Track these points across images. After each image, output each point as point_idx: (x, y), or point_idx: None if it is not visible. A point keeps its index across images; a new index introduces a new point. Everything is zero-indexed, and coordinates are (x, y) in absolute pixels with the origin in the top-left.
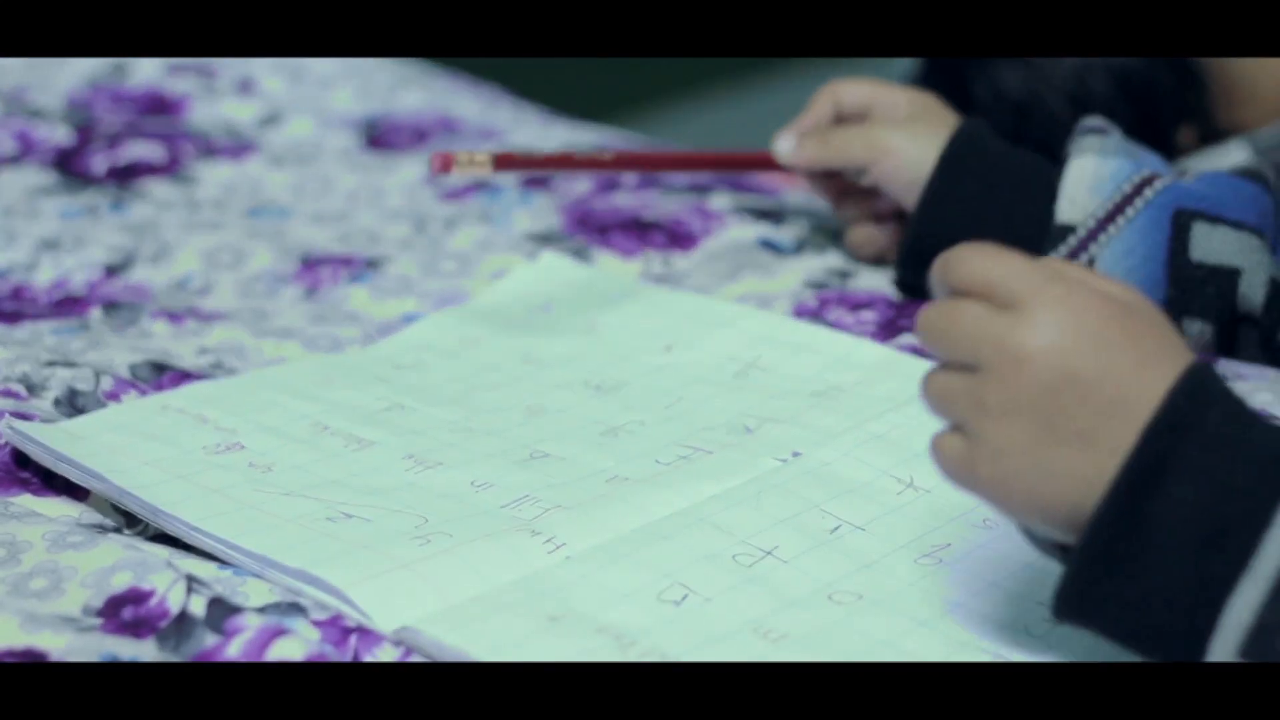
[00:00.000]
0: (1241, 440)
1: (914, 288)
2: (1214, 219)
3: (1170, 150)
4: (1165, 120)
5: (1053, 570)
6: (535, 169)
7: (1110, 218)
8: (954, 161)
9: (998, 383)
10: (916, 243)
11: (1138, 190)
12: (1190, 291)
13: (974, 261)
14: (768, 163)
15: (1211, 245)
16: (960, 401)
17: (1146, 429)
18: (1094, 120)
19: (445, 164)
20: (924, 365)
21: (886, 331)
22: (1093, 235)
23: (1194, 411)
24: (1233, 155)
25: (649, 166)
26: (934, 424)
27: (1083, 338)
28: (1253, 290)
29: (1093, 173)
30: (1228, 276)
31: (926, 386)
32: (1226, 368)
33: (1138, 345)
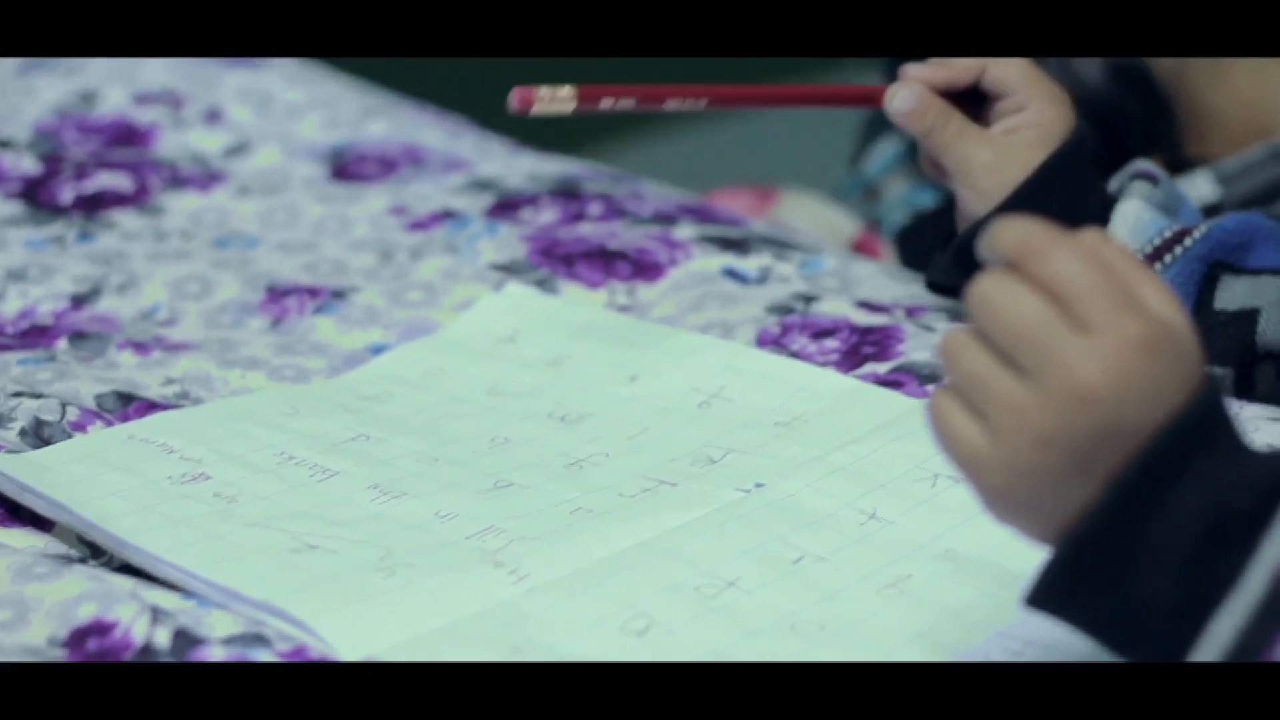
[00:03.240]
0: (1245, 463)
1: (943, 287)
2: (1240, 270)
3: None
4: (1133, 149)
5: (1015, 601)
6: (622, 99)
7: (1146, 265)
8: (1035, 190)
9: (1049, 410)
10: (969, 247)
11: (1176, 239)
12: (1211, 336)
13: (1053, 258)
14: (875, 100)
15: (1234, 294)
16: (996, 399)
17: (1160, 434)
18: (1144, 164)
19: (525, 101)
20: (887, 395)
21: (850, 359)
22: None
23: (1206, 428)
24: (1198, 185)
25: (744, 103)
26: (896, 458)
27: (1139, 389)
28: (1271, 327)
29: (1135, 217)
30: (1247, 317)
31: (952, 349)
32: None
33: (1177, 390)
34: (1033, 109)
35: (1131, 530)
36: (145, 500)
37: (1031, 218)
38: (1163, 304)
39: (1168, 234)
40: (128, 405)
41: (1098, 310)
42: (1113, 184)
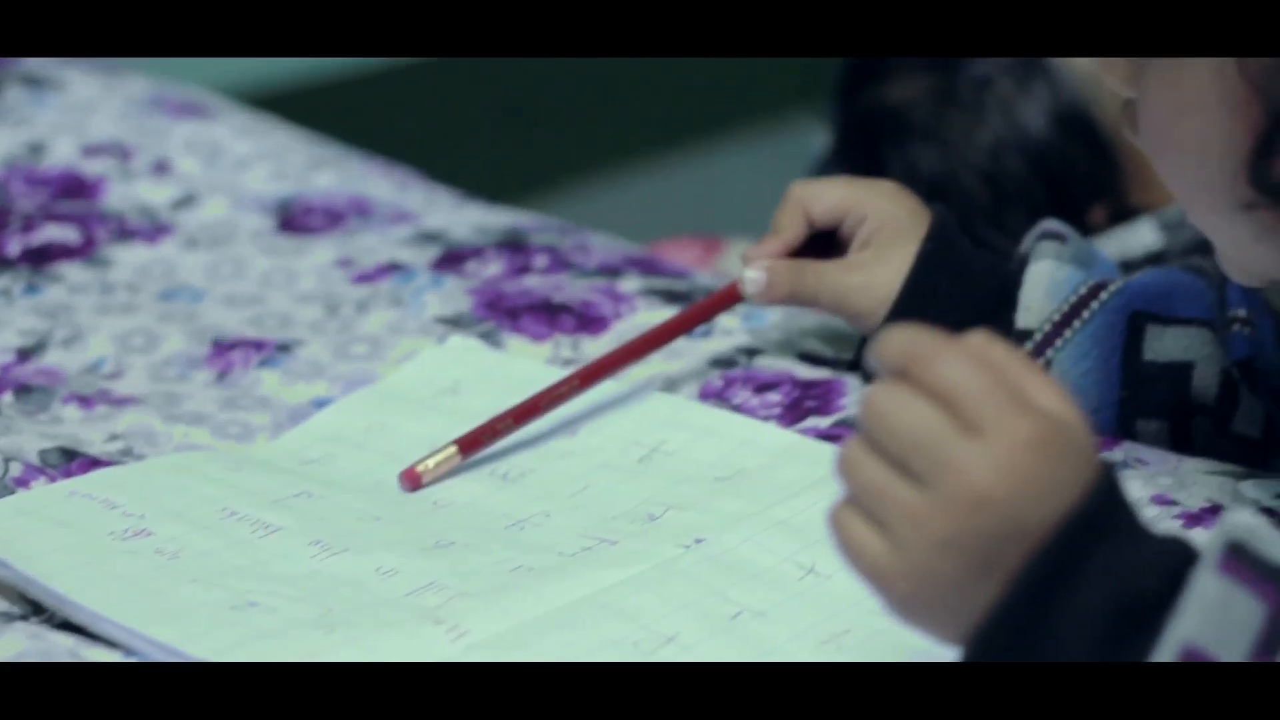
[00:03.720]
0: (1146, 548)
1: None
2: (1166, 319)
3: (1082, 229)
4: (1078, 199)
5: (950, 657)
6: (502, 435)
7: (1065, 322)
8: (923, 276)
9: (948, 515)
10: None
11: (1093, 294)
12: (1144, 391)
13: (940, 366)
14: (734, 297)
15: (1164, 344)
16: (894, 508)
17: (1059, 529)
18: (1051, 224)
19: (414, 479)
20: (827, 450)
21: (792, 413)
22: (1050, 340)
23: (1105, 517)
24: (1141, 233)
25: (615, 366)
26: None
27: (1034, 488)
28: (1205, 383)
29: (1048, 278)
30: (1180, 371)
31: (848, 461)
32: (1128, 452)
33: (1073, 484)
34: (871, 216)
35: (1037, 624)
36: (86, 557)
37: (916, 325)
38: (1053, 400)
39: (1083, 290)
40: (71, 461)
41: (987, 413)
42: (1024, 246)
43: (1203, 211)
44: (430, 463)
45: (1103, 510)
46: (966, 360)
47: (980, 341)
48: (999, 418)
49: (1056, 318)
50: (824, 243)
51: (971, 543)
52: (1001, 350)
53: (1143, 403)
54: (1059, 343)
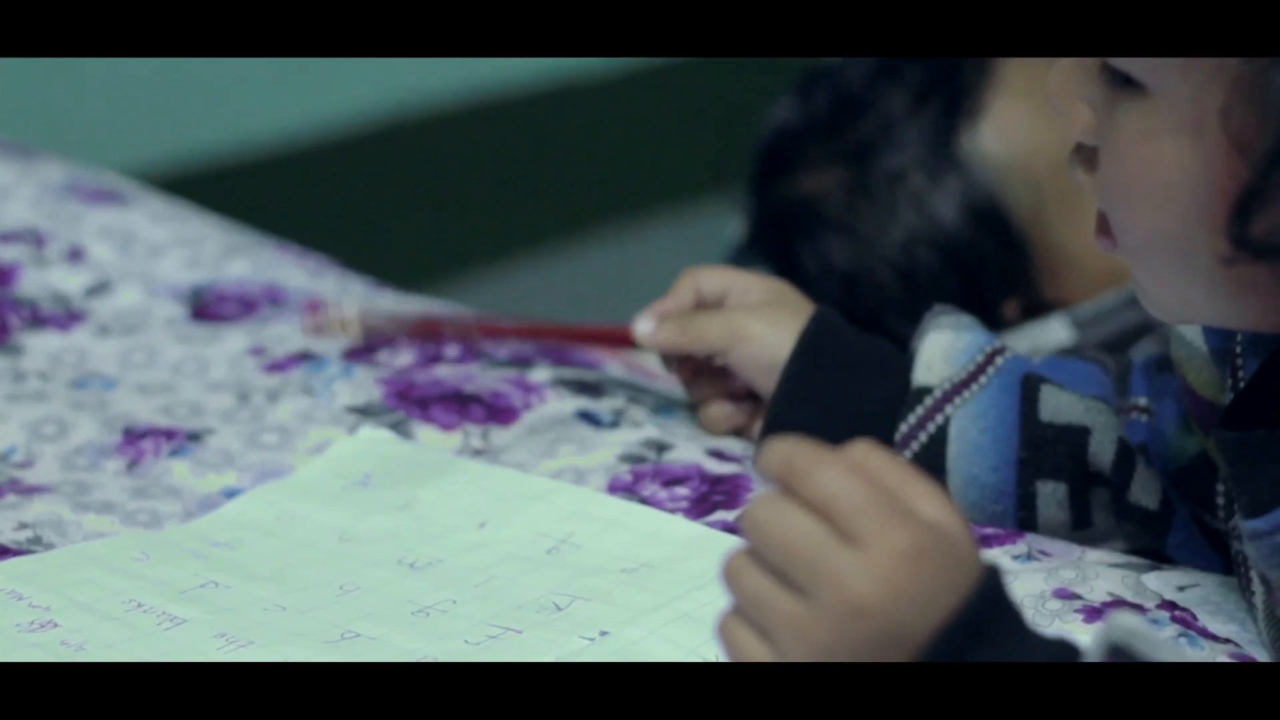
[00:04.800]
0: (1026, 653)
1: None
2: (1060, 385)
3: (995, 323)
4: (991, 293)
5: None
6: (403, 334)
7: (965, 383)
8: (811, 345)
9: (828, 624)
10: (776, 425)
11: (990, 359)
12: (1042, 451)
13: (818, 477)
14: (626, 339)
15: (1060, 406)
16: (776, 617)
17: (938, 636)
18: (945, 309)
19: (318, 328)
20: (734, 542)
21: (699, 507)
22: (949, 398)
23: (985, 623)
24: (1054, 329)
25: (511, 336)
26: None
27: (912, 597)
28: (1102, 449)
29: (948, 343)
30: (1077, 435)
31: (732, 572)
32: (1031, 544)
33: (953, 591)
34: (752, 289)
35: None
36: None
37: (797, 437)
38: (933, 508)
39: (981, 356)
40: None
41: (865, 524)
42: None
43: (1162, 260)
44: (335, 323)
45: (983, 615)
46: (845, 471)
47: (861, 452)
48: (877, 528)
49: (957, 378)
50: None
51: (850, 652)
52: (881, 459)
53: (1041, 464)
54: (958, 400)
